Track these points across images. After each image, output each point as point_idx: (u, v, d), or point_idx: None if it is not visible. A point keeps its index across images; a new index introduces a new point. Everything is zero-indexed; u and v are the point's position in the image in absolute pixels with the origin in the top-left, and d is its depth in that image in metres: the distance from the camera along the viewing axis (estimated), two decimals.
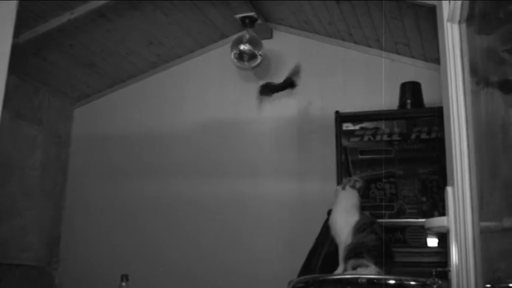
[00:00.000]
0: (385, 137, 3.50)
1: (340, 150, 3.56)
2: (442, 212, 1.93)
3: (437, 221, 1.96)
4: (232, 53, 3.99)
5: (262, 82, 3.98)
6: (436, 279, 1.86)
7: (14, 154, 3.97)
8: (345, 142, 3.57)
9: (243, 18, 3.96)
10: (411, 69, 3.91)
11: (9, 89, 1.76)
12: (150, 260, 4.16)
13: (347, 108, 3.74)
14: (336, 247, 2.64)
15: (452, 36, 1.96)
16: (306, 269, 2.98)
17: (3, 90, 1.73)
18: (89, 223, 4.41)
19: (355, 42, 4.08)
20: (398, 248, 3.11)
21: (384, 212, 3.34)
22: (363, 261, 2.39)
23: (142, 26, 3.95)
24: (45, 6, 3.45)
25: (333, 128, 3.64)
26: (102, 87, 4.61)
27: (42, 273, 4.17)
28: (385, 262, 2.40)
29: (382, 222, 2.83)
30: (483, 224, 1.69)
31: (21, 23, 3.20)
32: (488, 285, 1.53)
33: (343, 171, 3.51)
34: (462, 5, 1.85)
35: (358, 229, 2.54)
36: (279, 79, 4.02)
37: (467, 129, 1.83)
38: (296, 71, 3.87)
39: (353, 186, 2.76)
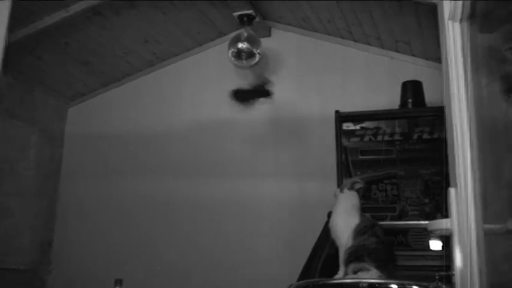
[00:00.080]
0: (386, 137, 3.48)
1: (341, 150, 3.53)
2: (445, 214, 1.90)
3: (440, 223, 1.92)
4: (230, 51, 3.95)
5: (236, 87, 3.95)
6: (440, 284, 1.85)
7: (7, 154, 3.95)
8: (345, 142, 3.54)
9: (241, 16, 3.92)
10: (412, 68, 3.90)
11: (2, 88, 1.73)
12: (146, 262, 4.13)
13: (346, 107, 3.71)
14: (336, 250, 2.61)
15: (454, 35, 1.94)
16: (306, 272, 2.96)
17: None
18: (83, 224, 4.37)
19: (355, 40, 4.07)
20: (401, 251, 3.08)
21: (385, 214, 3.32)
22: (364, 265, 2.38)
23: (139, 24, 3.93)
24: (39, 4, 3.42)
25: (332, 128, 3.60)
26: (97, 86, 4.59)
27: (34, 276, 4.13)
28: (387, 266, 2.40)
29: (383, 224, 2.81)
30: (487, 226, 1.66)
31: (16, 21, 3.16)
32: None
33: (344, 172, 3.48)
34: (464, 3, 1.83)
35: (359, 232, 2.52)
36: (278, 78, 4.03)
37: (470, 128, 1.80)
38: (264, 83, 3.87)
39: (351, 188, 2.72)
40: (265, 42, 4.08)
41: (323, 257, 2.94)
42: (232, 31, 4.19)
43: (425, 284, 1.96)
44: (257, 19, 4.02)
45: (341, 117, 3.59)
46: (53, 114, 4.43)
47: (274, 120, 4.15)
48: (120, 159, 4.45)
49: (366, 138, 3.51)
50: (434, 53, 3.69)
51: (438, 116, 3.22)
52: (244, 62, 3.96)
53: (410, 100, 3.56)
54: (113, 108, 4.57)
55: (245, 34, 3.92)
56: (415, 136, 3.42)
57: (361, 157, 3.50)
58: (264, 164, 4.12)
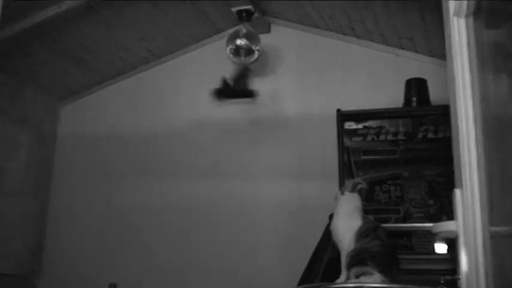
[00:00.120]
0: (389, 137, 3.43)
1: (342, 150, 3.48)
2: (451, 216, 1.84)
3: (445, 226, 1.87)
4: (228, 48, 3.93)
5: (217, 85, 3.87)
6: None
7: None
8: (347, 142, 3.49)
9: (239, 12, 3.89)
10: (416, 65, 3.86)
11: None
12: (142, 265, 4.08)
13: (348, 105, 3.65)
14: (338, 253, 2.57)
15: (459, 31, 1.89)
16: (307, 276, 2.92)
17: None
18: (75, 228, 4.32)
19: (357, 37, 4.04)
20: (405, 254, 3.01)
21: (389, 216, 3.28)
22: (366, 269, 2.33)
23: (134, 20, 3.90)
24: None
25: (334, 127, 3.54)
26: (91, 84, 4.56)
27: (24, 282, 4.09)
28: (390, 270, 2.35)
29: (386, 227, 2.77)
30: (494, 228, 1.62)
31: (6, 17, 3.12)
32: None
33: (346, 173, 3.43)
34: None
35: (361, 234, 2.46)
36: (278, 76, 4.03)
37: (475, 127, 1.75)
38: (243, 74, 3.79)
39: (352, 191, 2.66)
40: (264, 38, 4.05)
41: (325, 260, 2.90)
42: (230, 27, 4.15)
43: None
44: (256, 15, 3.99)
45: (343, 116, 3.53)
46: (45, 113, 4.40)
47: (273, 119, 4.11)
48: (116, 159, 4.41)
49: (369, 138, 3.47)
50: (438, 49, 3.66)
51: (443, 115, 3.16)
52: (243, 59, 3.94)
53: (414, 98, 3.51)
54: (107, 107, 4.54)
55: (244, 30, 3.89)
56: (420, 135, 3.37)
57: (363, 157, 3.45)
58: (263, 164, 4.08)
